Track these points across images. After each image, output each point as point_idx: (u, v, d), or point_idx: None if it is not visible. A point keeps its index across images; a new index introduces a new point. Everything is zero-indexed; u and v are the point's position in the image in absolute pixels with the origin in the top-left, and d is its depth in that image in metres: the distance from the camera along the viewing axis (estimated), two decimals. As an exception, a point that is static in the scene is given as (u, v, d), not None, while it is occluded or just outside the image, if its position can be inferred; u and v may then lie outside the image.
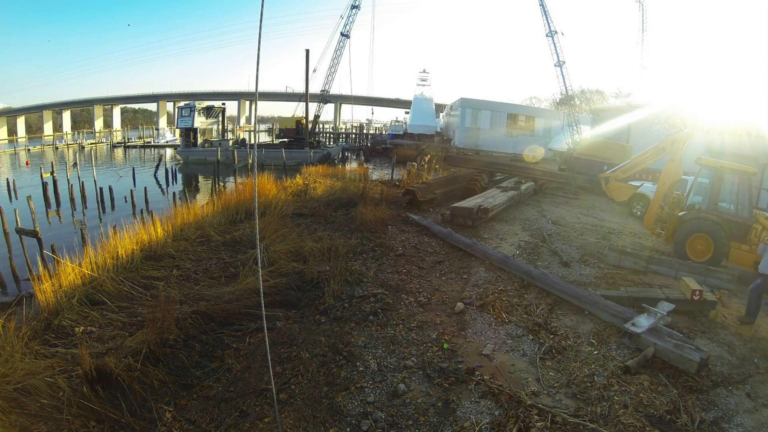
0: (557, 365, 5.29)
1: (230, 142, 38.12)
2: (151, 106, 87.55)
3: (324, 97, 37.88)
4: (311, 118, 38.79)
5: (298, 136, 37.54)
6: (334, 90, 44.51)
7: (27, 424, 4.08)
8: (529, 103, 72.72)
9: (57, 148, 49.68)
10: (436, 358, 5.36)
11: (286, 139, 37.28)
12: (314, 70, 36.60)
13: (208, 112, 38.87)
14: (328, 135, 60.25)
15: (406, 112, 56.10)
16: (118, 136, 65.39)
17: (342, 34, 35.56)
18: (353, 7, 34.90)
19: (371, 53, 73.45)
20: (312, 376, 4.96)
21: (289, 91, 38.99)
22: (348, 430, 4.20)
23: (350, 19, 35.29)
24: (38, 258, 10.90)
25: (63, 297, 6.30)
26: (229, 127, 57.49)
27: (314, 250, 8.56)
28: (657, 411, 4.42)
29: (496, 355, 5.50)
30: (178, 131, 43.34)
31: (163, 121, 78.36)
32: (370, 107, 74.62)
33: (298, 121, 38.86)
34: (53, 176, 20.90)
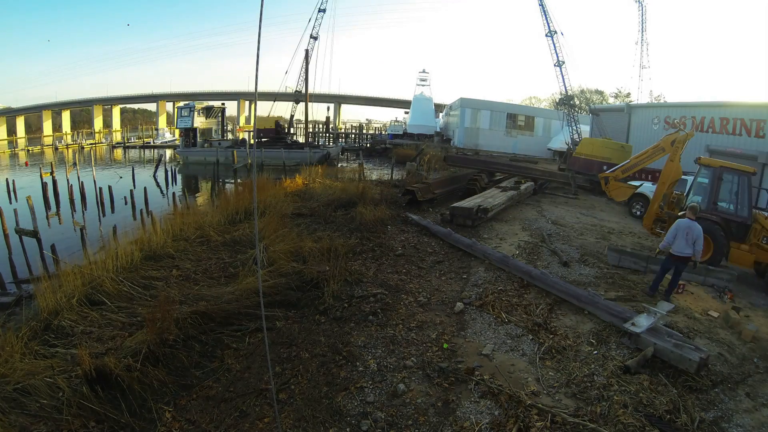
0: (557, 365, 5.29)
1: (230, 143, 38.16)
2: (151, 106, 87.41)
3: (297, 98, 39.22)
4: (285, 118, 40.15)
5: (277, 136, 38.30)
6: (335, 90, 45.00)
7: (27, 424, 4.08)
8: (529, 103, 72.78)
9: (57, 148, 49.64)
10: (435, 358, 5.36)
11: (264, 139, 37.79)
12: (286, 72, 38.49)
13: (208, 112, 38.82)
14: (327, 135, 60.24)
15: (406, 112, 56.08)
16: (117, 137, 65.36)
17: (311, 37, 37.14)
18: (320, 10, 36.68)
19: (331, 52, 75.51)
20: (312, 376, 4.96)
21: (289, 91, 39.08)
22: (348, 430, 4.20)
23: (317, 21, 37.00)
24: (38, 258, 10.91)
25: (62, 297, 6.29)
26: (229, 127, 57.39)
27: (314, 250, 8.55)
28: (657, 411, 4.42)
29: (496, 355, 5.50)
30: (177, 131, 43.30)
31: (162, 121, 78.24)
32: (367, 107, 74.85)
33: (276, 121, 39.87)
34: (53, 177, 20.89)
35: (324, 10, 36.55)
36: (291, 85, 38.55)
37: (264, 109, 43.55)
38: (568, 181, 18.06)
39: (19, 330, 5.46)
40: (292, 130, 41.88)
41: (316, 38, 37.14)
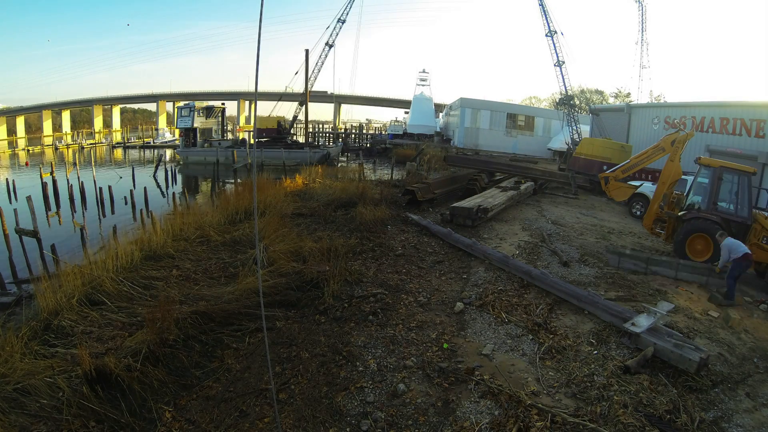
0: (557, 365, 5.29)
1: (230, 143, 38.25)
2: (151, 106, 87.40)
3: (302, 100, 39.68)
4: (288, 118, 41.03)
5: (278, 136, 38.78)
6: (335, 90, 45.53)
7: (27, 424, 4.08)
8: (529, 103, 72.77)
9: (57, 148, 49.66)
10: (435, 358, 5.36)
11: (265, 139, 38.17)
12: (296, 73, 38.61)
13: (208, 112, 38.87)
14: (327, 135, 60.28)
15: (406, 112, 56.09)
16: (117, 137, 65.37)
17: (327, 44, 37.68)
18: (340, 20, 37.14)
19: (355, 58, 75.93)
20: (312, 376, 4.96)
21: (289, 91, 39.28)
22: (348, 430, 4.20)
23: (336, 31, 37.48)
24: (38, 258, 10.91)
25: (62, 297, 6.29)
26: (229, 127, 57.42)
27: (314, 250, 8.55)
28: (657, 411, 4.42)
29: (496, 354, 5.50)
30: (177, 131, 43.36)
31: (162, 121, 78.23)
32: (368, 107, 75.11)
33: (278, 121, 40.34)
34: (53, 177, 20.90)
35: (344, 21, 37.25)
36: (298, 88, 38.91)
37: (265, 108, 43.75)
38: (568, 181, 18.05)
39: (19, 330, 5.46)
40: (291, 131, 42.12)
41: (331, 46, 37.74)
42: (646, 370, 5.13)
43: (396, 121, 57.67)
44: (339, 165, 32.75)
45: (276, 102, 41.34)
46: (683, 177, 10.39)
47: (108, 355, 4.82)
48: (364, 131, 63.78)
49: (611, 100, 57.89)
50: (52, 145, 52.25)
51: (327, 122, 77.43)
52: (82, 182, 20.02)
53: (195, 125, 36.59)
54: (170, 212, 13.97)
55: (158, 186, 25.64)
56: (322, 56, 37.73)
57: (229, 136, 48.58)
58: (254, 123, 40.13)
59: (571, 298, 6.78)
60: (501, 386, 4.72)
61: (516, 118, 41.43)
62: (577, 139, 28.11)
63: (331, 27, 37.13)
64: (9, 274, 10.22)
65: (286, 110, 42.30)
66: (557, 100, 33.65)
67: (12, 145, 54.82)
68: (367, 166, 28.89)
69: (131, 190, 18.82)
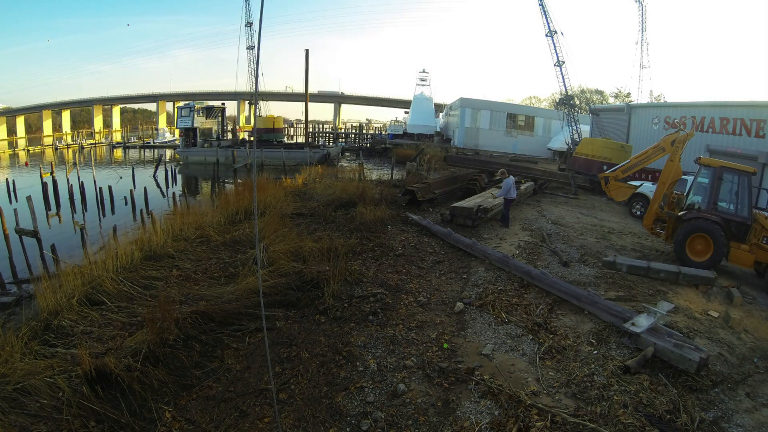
0: (557, 365, 5.29)
1: (230, 143, 38.31)
2: (151, 106, 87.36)
3: (250, 99, 42.17)
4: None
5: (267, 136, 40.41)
6: (334, 89, 46.25)
7: (27, 424, 4.08)
8: (529, 103, 72.81)
9: (57, 148, 49.68)
10: (435, 357, 5.36)
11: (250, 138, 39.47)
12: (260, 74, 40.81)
13: (208, 112, 38.89)
14: (327, 135, 60.32)
15: (406, 112, 56.12)
16: (117, 137, 65.38)
17: (248, 48, 40.91)
18: (247, 24, 40.19)
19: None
20: (312, 376, 4.96)
21: (289, 90, 39.49)
22: (348, 430, 4.20)
23: (247, 35, 40.61)
24: (38, 258, 10.92)
25: (62, 297, 6.29)
26: (229, 127, 57.45)
27: (314, 250, 8.55)
28: (657, 411, 4.42)
29: (496, 354, 5.50)
30: (177, 131, 43.45)
31: (162, 121, 78.17)
32: (368, 107, 75.28)
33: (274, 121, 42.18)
34: (53, 177, 20.90)
35: (251, 24, 39.84)
36: (299, 88, 39.96)
37: (289, 109, 45.15)
38: (568, 181, 18.05)
39: (19, 330, 5.46)
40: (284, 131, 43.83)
41: (253, 47, 40.15)
42: (646, 370, 5.13)
43: (396, 121, 57.69)
44: (339, 165, 32.72)
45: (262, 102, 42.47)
46: (683, 177, 10.39)
47: (108, 355, 4.82)
48: (364, 131, 63.71)
49: (611, 100, 57.92)
50: (52, 145, 52.28)
51: (327, 122, 77.39)
52: (82, 182, 20.02)
53: (195, 125, 36.59)
54: (170, 212, 13.97)
55: (158, 186, 25.64)
56: (251, 59, 40.23)
57: (229, 136, 48.62)
58: (254, 123, 40.14)
59: (571, 298, 6.78)
60: (501, 386, 4.72)
61: (516, 118, 41.46)
62: (577, 139, 28.10)
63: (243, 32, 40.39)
64: (9, 274, 10.23)
65: (288, 110, 42.70)
66: (557, 100, 33.63)
67: (12, 145, 54.84)
68: (367, 166, 28.87)
69: (131, 190, 18.83)
